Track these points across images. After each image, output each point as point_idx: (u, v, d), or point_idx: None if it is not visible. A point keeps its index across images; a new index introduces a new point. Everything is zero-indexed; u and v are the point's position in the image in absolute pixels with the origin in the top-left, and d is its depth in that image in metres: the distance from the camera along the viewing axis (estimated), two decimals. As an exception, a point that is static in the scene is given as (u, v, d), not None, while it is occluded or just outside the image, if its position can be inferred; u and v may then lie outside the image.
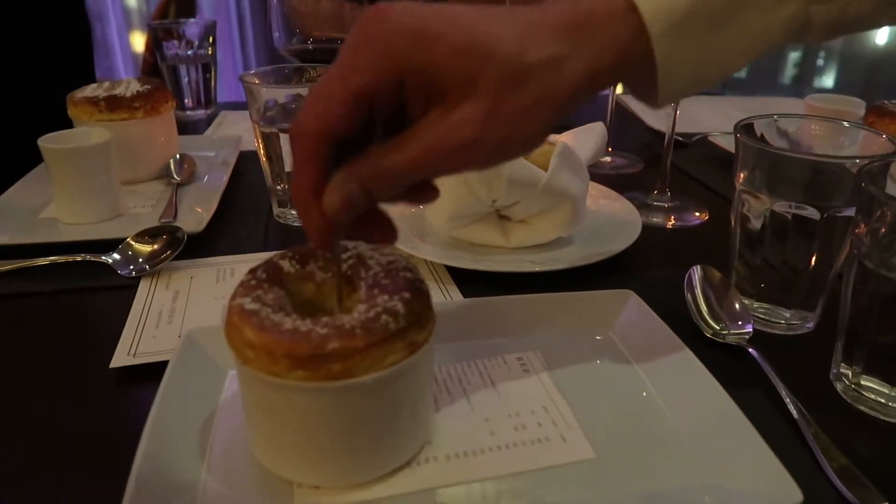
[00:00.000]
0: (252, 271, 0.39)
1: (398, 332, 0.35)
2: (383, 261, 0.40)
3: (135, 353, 0.51)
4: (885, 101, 0.86)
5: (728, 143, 0.96)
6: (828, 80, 3.36)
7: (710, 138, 0.99)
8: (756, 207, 0.53)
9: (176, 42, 1.18)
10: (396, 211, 0.72)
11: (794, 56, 3.25)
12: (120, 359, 0.50)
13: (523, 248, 0.66)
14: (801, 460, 0.41)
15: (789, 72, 3.34)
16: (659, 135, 1.07)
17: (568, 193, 0.63)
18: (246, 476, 0.39)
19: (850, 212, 0.49)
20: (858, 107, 0.90)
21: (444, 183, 0.64)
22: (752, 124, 0.56)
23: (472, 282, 0.61)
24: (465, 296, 0.60)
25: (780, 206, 0.52)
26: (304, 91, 0.71)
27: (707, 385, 0.44)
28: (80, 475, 0.41)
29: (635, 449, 0.41)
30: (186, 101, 1.20)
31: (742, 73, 3.09)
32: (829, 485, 0.40)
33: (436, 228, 0.68)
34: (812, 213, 0.50)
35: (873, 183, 0.43)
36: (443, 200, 0.65)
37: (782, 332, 0.55)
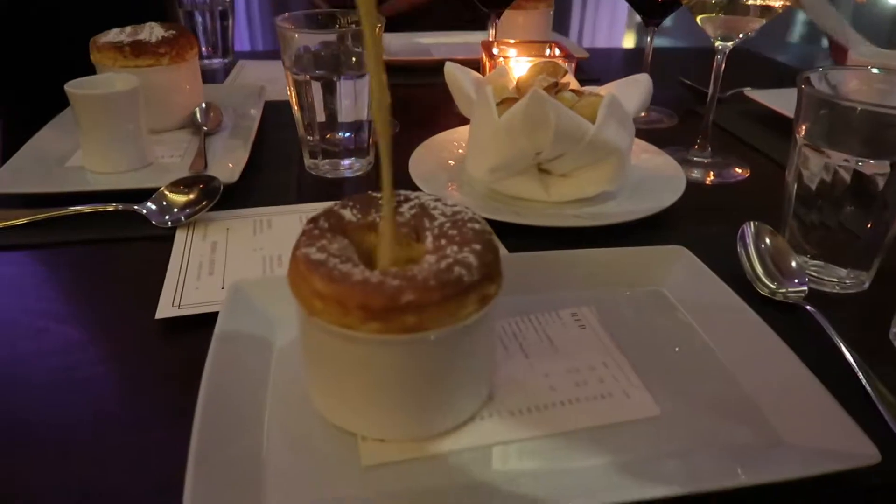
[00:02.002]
0: (313, 220, 0.38)
1: (472, 285, 0.34)
2: (448, 211, 0.38)
3: (179, 305, 0.50)
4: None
5: (765, 99, 0.93)
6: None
7: (746, 93, 0.96)
8: (816, 162, 0.52)
9: (190, -12, 1.14)
10: (434, 162, 0.71)
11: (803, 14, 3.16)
12: (165, 310, 0.50)
13: (564, 202, 0.64)
14: (868, 419, 0.40)
15: (798, 30, 3.26)
16: (692, 90, 1.04)
17: (614, 147, 0.61)
18: (308, 428, 0.38)
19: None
20: (905, 61, 0.87)
21: (487, 134, 0.63)
22: (808, 77, 0.54)
23: (510, 236, 0.60)
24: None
25: (843, 161, 0.50)
26: (332, 37, 0.68)
27: (771, 343, 0.43)
28: (143, 423, 0.41)
29: (701, 406, 0.40)
30: (203, 49, 1.16)
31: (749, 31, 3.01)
32: (899, 444, 0.39)
33: (474, 181, 0.66)
34: (878, 166, 0.49)
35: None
36: (484, 151, 0.63)
37: (835, 291, 0.54)
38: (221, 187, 0.62)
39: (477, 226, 0.37)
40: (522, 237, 0.59)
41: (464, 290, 0.33)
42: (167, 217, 0.61)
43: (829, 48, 0.88)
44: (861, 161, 0.49)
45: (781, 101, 0.90)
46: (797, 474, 0.34)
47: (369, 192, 0.40)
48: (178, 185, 0.63)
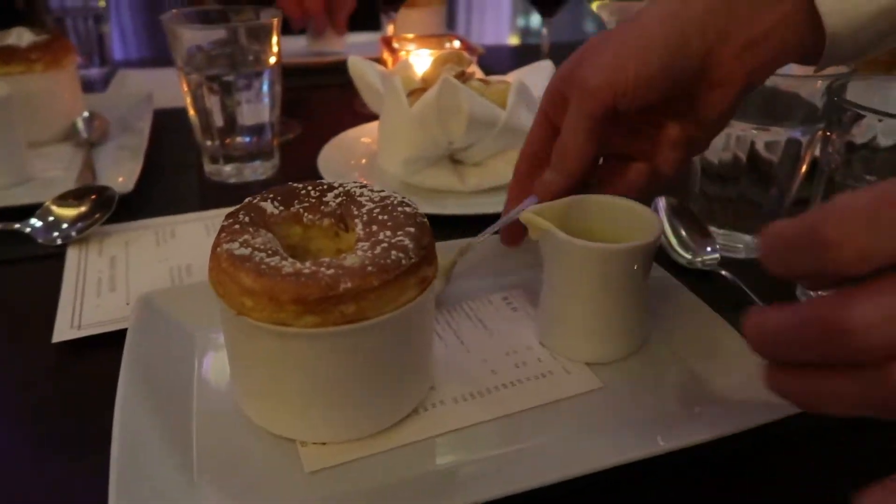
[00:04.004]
0: (232, 215, 0.35)
1: (411, 268, 0.32)
2: (376, 196, 0.37)
3: (79, 325, 0.46)
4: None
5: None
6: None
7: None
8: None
9: (58, -8, 1.06)
10: (345, 160, 0.69)
11: None
12: (63, 332, 0.45)
13: (480, 191, 0.64)
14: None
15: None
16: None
17: (526, 132, 0.61)
18: (243, 441, 0.35)
19: (797, 134, 0.51)
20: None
21: (399, 126, 0.62)
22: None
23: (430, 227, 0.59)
24: (430, 242, 0.57)
25: (741, 132, 0.52)
26: (224, 33, 0.65)
27: (696, 308, 0.45)
28: (50, 456, 0.37)
29: (640, 374, 0.41)
30: (79, 58, 1.08)
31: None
32: (822, 391, 0.41)
33: (388, 175, 0.65)
34: (774, 133, 0.51)
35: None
36: (397, 144, 0.62)
37: (743, 256, 0.56)
38: (117, 197, 0.57)
39: (408, 209, 0.36)
40: (443, 228, 0.58)
41: (403, 274, 0.32)
42: (55, 234, 0.56)
43: None
44: (758, 129, 0.52)
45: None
46: (737, 428, 0.35)
47: (289, 182, 0.38)
48: (66, 199, 0.58)
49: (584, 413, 0.38)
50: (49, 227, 0.56)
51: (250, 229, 0.34)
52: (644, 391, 0.40)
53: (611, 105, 0.39)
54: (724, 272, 0.51)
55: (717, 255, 0.53)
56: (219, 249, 0.33)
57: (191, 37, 0.64)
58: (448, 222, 0.58)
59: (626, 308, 0.41)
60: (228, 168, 0.70)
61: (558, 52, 1.16)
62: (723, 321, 0.43)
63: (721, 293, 0.50)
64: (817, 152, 0.49)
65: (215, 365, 0.40)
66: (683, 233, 0.55)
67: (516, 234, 0.46)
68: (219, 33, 0.65)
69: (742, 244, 0.56)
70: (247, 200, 0.37)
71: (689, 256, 0.54)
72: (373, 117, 0.73)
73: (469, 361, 0.42)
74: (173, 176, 0.71)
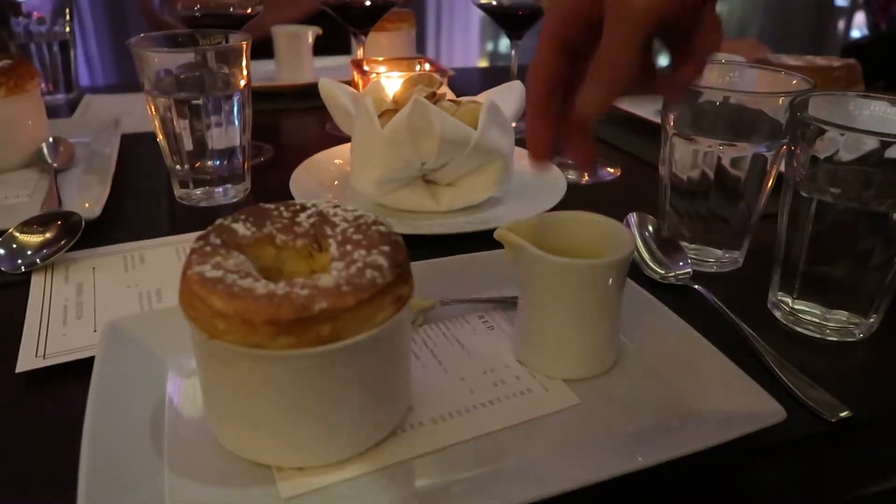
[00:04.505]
0: (203, 237, 0.35)
1: (387, 287, 0.32)
2: (350, 216, 0.37)
3: (45, 354, 0.44)
4: (768, 55, 0.92)
5: (624, 104, 0.99)
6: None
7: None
8: (685, 151, 0.55)
9: (22, 19, 1.05)
10: (317, 182, 0.68)
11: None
12: (27, 362, 0.44)
13: (454, 210, 0.64)
14: (765, 382, 0.42)
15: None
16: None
17: (498, 151, 0.62)
18: (216, 470, 0.34)
19: (763, 149, 0.52)
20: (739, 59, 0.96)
21: (370, 147, 0.61)
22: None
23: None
24: (404, 262, 0.57)
25: (708, 147, 0.53)
26: (193, 57, 0.64)
27: (671, 322, 0.45)
28: (10, 492, 0.35)
29: (617, 390, 0.41)
30: (44, 85, 1.06)
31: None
32: (795, 401, 0.41)
33: (361, 196, 0.65)
34: (739, 149, 0.52)
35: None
36: (369, 165, 0.62)
37: (714, 270, 0.57)
38: (83, 222, 0.56)
39: (382, 228, 0.36)
40: (417, 248, 0.58)
41: (379, 293, 0.32)
42: (19, 261, 0.54)
43: None
44: (725, 146, 0.53)
45: (637, 105, 0.96)
46: (717, 440, 0.35)
47: (261, 203, 0.38)
48: (31, 225, 0.56)
49: (563, 430, 0.38)
50: (13, 254, 0.55)
51: (222, 251, 0.34)
52: (621, 406, 0.40)
53: (657, 25, 0.38)
54: (696, 286, 0.52)
55: (689, 270, 0.54)
56: (189, 272, 0.32)
57: (159, 60, 0.64)
58: (422, 242, 0.58)
59: (601, 323, 0.41)
60: (199, 192, 0.69)
61: (524, 74, 1.18)
62: (697, 334, 0.43)
63: (694, 307, 0.50)
64: (783, 167, 0.50)
65: (187, 392, 0.39)
66: (655, 248, 0.56)
67: (544, 145, 0.45)
68: (188, 57, 0.65)
69: (713, 258, 0.57)
70: (218, 222, 0.36)
71: (661, 271, 0.54)
72: (344, 139, 0.72)
73: (447, 381, 0.41)
74: (142, 201, 0.70)
